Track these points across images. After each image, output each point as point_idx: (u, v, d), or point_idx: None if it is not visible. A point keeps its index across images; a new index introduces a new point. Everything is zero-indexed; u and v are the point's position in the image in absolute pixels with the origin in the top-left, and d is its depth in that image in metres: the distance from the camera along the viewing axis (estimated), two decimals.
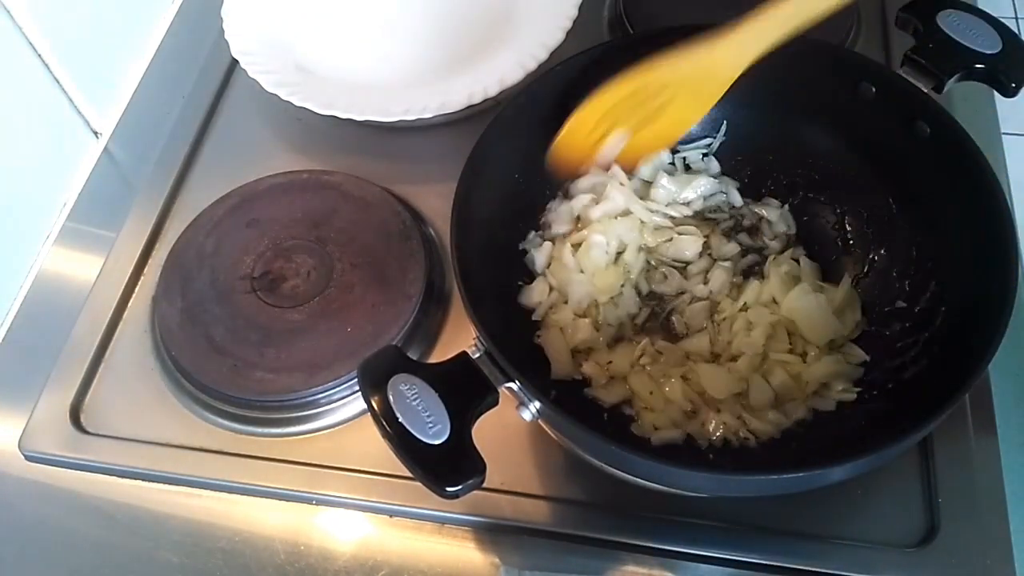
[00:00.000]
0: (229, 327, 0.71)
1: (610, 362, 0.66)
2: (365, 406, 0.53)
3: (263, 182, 0.79)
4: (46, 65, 0.80)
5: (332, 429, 0.68)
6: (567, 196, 0.74)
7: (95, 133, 0.88)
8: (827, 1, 0.62)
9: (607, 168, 0.72)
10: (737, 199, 0.74)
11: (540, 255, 0.71)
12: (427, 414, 0.51)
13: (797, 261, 0.71)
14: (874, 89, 0.68)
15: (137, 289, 0.76)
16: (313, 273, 0.73)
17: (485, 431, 0.53)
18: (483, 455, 0.51)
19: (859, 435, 0.61)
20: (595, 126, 0.66)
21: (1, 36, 0.75)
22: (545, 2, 0.86)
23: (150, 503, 0.66)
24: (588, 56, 0.71)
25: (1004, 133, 0.82)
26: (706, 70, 0.65)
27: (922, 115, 0.65)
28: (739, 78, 0.65)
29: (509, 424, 0.59)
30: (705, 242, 0.72)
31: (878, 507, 0.63)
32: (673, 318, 0.70)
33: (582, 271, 0.70)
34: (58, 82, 0.81)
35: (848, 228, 0.72)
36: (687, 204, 0.74)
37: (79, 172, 0.85)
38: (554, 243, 0.72)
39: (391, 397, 0.52)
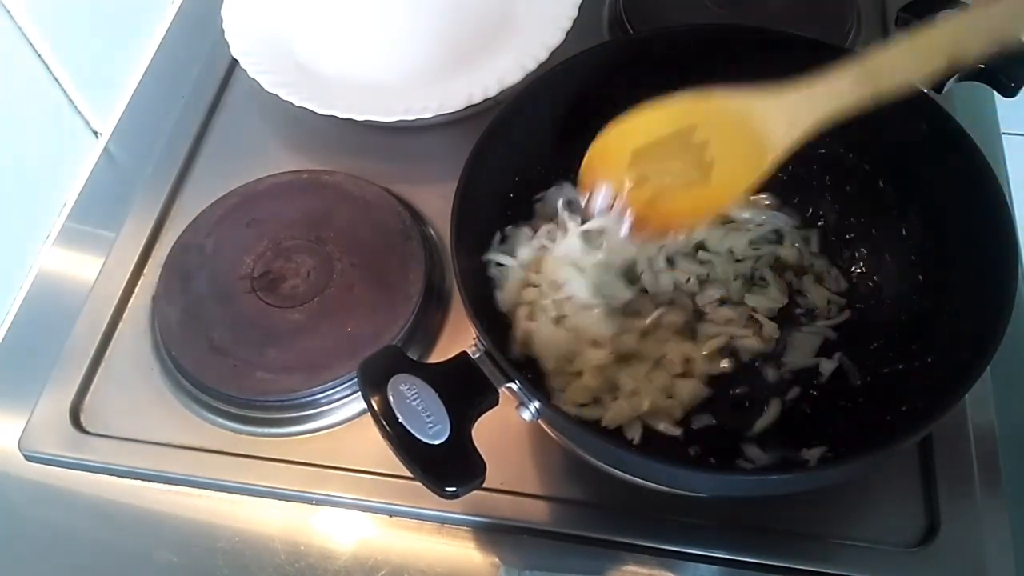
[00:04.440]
0: (229, 327, 0.71)
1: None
2: (365, 406, 0.53)
3: (263, 182, 0.79)
4: (46, 65, 0.80)
5: (332, 429, 0.68)
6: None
7: (95, 133, 0.88)
8: (905, 73, 0.53)
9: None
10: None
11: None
12: (427, 414, 0.51)
13: None
14: None
15: (137, 289, 0.76)
16: (313, 273, 0.73)
17: (485, 431, 0.53)
18: (483, 455, 0.51)
19: (859, 435, 0.61)
20: (627, 160, 0.59)
21: (1, 36, 0.75)
22: (545, 2, 0.86)
23: (150, 503, 0.66)
24: (588, 56, 0.71)
25: (1004, 133, 0.82)
26: (760, 125, 0.56)
27: (922, 115, 0.65)
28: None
29: (509, 424, 0.59)
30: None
31: (878, 507, 0.63)
32: None
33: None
34: (58, 82, 0.81)
35: (847, 228, 0.72)
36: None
37: (79, 172, 0.85)
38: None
39: (391, 397, 0.52)
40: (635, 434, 0.63)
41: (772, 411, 0.65)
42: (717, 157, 0.57)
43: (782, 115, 0.56)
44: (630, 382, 0.64)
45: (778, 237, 0.73)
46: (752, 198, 0.73)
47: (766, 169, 0.58)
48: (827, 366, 0.66)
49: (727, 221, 0.72)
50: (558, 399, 0.64)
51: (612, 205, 0.61)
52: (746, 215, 0.73)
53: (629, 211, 0.60)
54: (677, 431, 0.63)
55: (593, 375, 0.64)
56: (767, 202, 0.73)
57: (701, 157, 0.57)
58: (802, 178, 0.73)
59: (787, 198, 0.74)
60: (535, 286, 0.66)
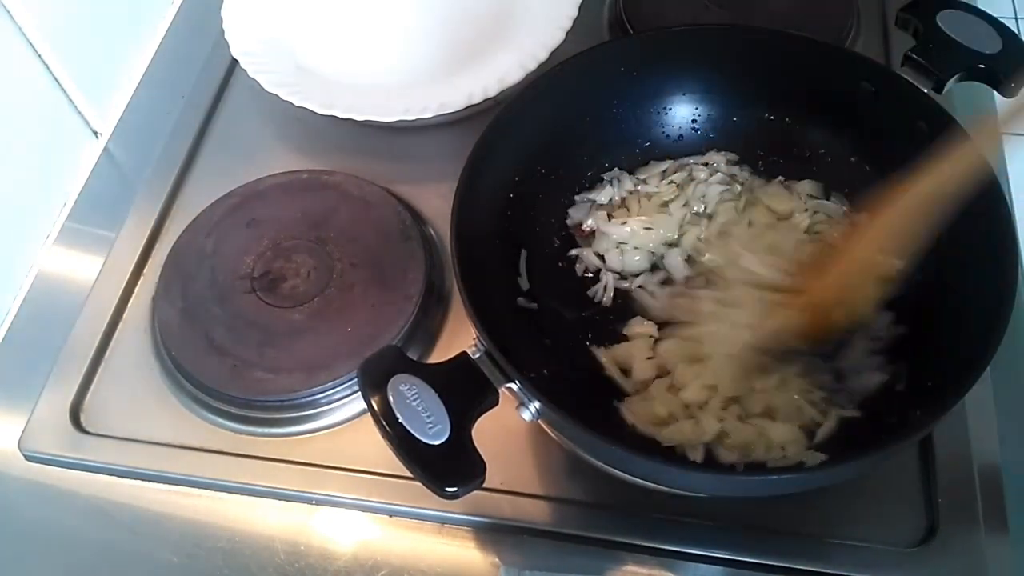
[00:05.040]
0: (229, 327, 0.71)
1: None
2: (365, 406, 0.53)
3: (263, 182, 0.79)
4: (46, 65, 0.80)
5: (332, 429, 0.68)
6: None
7: (95, 133, 0.88)
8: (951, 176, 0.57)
9: None
10: None
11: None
12: (427, 414, 0.51)
13: None
14: (874, 89, 0.68)
15: (137, 289, 0.76)
16: (313, 273, 0.73)
17: (485, 431, 0.53)
18: (483, 455, 0.51)
19: (859, 435, 0.61)
20: None
21: (1, 36, 0.75)
22: (545, 2, 0.86)
23: (150, 503, 0.66)
24: (588, 56, 0.71)
25: (1004, 133, 0.82)
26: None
27: (922, 115, 0.65)
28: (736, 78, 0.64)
29: (509, 424, 0.59)
30: None
31: (878, 507, 0.63)
32: None
33: None
34: (58, 82, 0.81)
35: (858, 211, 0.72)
36: None
37: (79, 172, 0.85)
38: None
39: (391, 397, 0.52)
40: (697, 456, 0.61)
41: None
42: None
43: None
44: (714, 423, 0.62)
45: None
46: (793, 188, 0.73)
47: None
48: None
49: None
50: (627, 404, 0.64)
51: None
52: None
53: None
54: (733, 458, 0.61)
55: (668, 405, 0.63)
56: (810, 192, 0.73)
57: None
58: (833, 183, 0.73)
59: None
60: None
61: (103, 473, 0.67)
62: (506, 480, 0.64)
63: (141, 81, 0.92)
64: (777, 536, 0.62)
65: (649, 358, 0.66)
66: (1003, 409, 0.66)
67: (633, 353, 0.66)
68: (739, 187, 0.74)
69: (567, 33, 0.83)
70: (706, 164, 0.75)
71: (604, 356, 0.67)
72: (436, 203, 0.78)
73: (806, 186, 0.73)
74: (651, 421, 0.63)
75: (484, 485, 0.51)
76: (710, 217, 0.73)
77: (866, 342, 0.65)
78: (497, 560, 0.63)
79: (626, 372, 0.66)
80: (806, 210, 0.72)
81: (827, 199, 0.72)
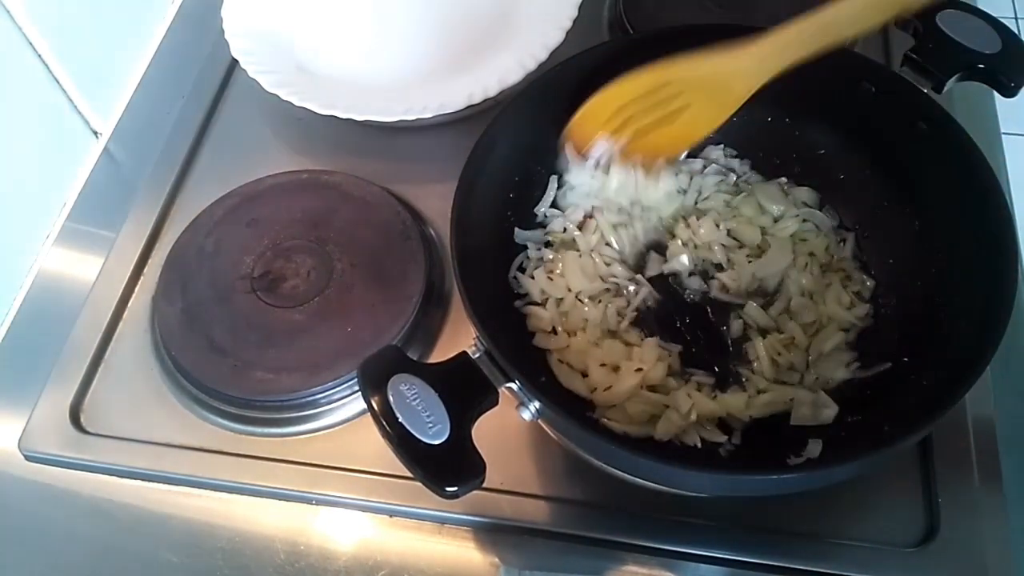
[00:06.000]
0: (229, 327, 0.71)
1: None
2: (365, 406, 0.53)
3: (263, 182, 0.79)
4: (46, 65, 0.80)
5: (332, 429, 0.68)
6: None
7: (95, 133, 0.88)
8: (854, 26, 0.61)
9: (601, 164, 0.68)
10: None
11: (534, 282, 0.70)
12: (427, 414, 0.51)
13: None
14: (874, 89, 0.68)
15: (137, 289, 0.76)
16: (313, 273, 0.73)
17: (485, 431, 0.53)
18: (483, 455, 0.51)
19: (859, 435, 0.61)
20: (610, 116, 0.65)
21: (1, 36, 0.75)
22: (545, 2, 0.86)
23: (150, 503, 0.66)
24: (588, 56, 0.71)
25: (1004, 133, 0.82)
26: (724, 80, 0.64)
27: (922, 115, 0.65)
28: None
29: (509, 424, 0.59)
30: None
31: (878, 507, 0.63)
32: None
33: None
34: (58, 82, 0.81)
35: (847, 227, 0.72)
36: None
37: (79, 172, 0.85)
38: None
39: (391, 397, 0.52)
40: (695, 441, 0.62)
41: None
42: (689, 104, 0.65)
43: (742, 70, 0.64)
44: (687, 400, 0.63)
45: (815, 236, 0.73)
46: (791, 193, 0.74)
47: (730, 113, 0.66)
48: None
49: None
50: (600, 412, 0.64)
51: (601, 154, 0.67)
52: (780, 208, 0.73)
53: (616, 144, 0.66)
54: (723, 438, 0.62)
55: (643, 402, 0.64)
56: (806, 200, 0.73)
57: (674, 105, 0.65)
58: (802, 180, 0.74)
59: (824, 200, 0.74)
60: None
61: (103, 473, 0.68)
62: (506, 480, 0.64)
63: (141, 81, 0.92)
64: (777, 536, 0.62)
65: (602, 364, 0.66)
66: (1003, 409, 0.66)
67: (586, 361, 0.66)
68: (734, 176, 0.74)
69: (567, 33, 0.83)
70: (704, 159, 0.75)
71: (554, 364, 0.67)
72: (436, 203, 0.78)
73: (803, 193, 0.73)
74: (635, 422, 0.63)
75: (484, 485, 0.51)
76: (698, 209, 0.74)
77: (840, 332, 0.66)
78: (497, 560, 0.63)
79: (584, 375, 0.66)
80: (797, 215, 0.72)
81: (820, 210, 0.73)
